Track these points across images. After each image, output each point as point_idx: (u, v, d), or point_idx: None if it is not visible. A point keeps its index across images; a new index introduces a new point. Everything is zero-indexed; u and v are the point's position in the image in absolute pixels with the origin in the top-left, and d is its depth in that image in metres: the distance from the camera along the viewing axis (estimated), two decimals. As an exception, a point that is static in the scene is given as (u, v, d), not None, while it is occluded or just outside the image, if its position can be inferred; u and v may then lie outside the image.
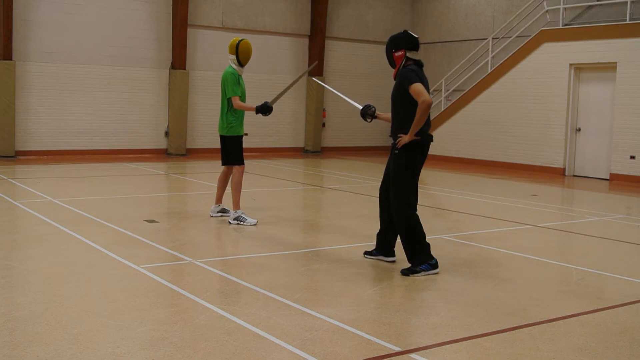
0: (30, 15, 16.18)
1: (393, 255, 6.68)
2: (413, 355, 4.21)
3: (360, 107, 6.83)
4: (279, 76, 19.46)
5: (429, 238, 6.55)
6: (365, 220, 8.96)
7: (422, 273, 6.15)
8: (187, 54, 18.08)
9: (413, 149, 6.13)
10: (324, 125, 20.79)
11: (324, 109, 20.70)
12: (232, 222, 8.42)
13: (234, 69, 8.37)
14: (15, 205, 9.44)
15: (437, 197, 12.15)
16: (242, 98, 8.45)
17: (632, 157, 14.73)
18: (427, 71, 20.91)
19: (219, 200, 8.89)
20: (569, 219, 10.15)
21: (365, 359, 4.12)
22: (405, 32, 6.28)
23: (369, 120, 6.77)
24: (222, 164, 8.68)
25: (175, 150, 18.02)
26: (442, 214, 10.18)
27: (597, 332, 4.78)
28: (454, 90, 19.62)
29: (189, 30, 18.11)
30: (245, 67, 8.53)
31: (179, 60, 17.88)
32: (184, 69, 17.97)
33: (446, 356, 4.24)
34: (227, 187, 8.94)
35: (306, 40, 20.45)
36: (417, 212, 6.29)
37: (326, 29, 20.44)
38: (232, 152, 8.48)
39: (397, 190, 6.20)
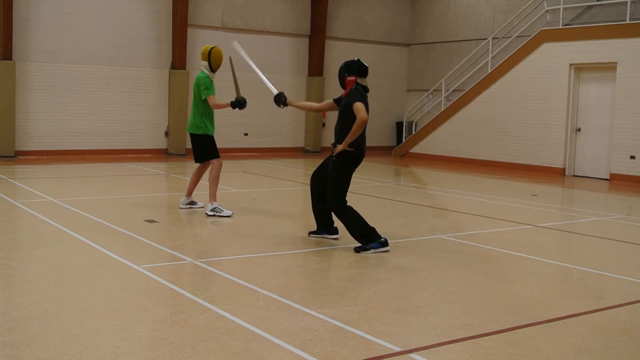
0: (30, 15, 16.18)
1: (337, 232, 7.50)
2: (413, 355, 4.21)
3: (275, 92, 7.72)
4: (278, 76, 19.40)
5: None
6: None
7: (372, 250, 6.89)
8: (187, 54, 18.06)
9: (348, 158, 7.07)
10: (324, 125, 20.77)
11: (323, 109, 20.67)
12: (209, 213, 8.81)
13: (206, 74, 8.89)
14: (15, 205, 9.45)
15: (437, 197, 12.15)
16: None
17: (632, 157, 14.73)
18: (428, 71, 21.36)
19: (189, 193, 9.43)
20: (569, 219, 10.15)
21: (365, 359, 4.12)
22: (358, 61, 7.31)
23: (281, 106, 7.70)
24: (197, 162, 9.17)
25: (175, 150, 18.02)
26: (442, 214, 10.18)
27: (597, 332, 4.78)
28: (454, 90, 19.61)
29: (189, 30, 18.11)
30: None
31: (179, 60, 17.88)
32: (184, 69, 17.97)
33: (446, 356, 4.24)
34: (199, 182, 9.45)
35: (306, 40, 20.45)
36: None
37: (326, 29, 20.43)
38: (208, 149, 8.97)
39: (333, 189, 7.06)
